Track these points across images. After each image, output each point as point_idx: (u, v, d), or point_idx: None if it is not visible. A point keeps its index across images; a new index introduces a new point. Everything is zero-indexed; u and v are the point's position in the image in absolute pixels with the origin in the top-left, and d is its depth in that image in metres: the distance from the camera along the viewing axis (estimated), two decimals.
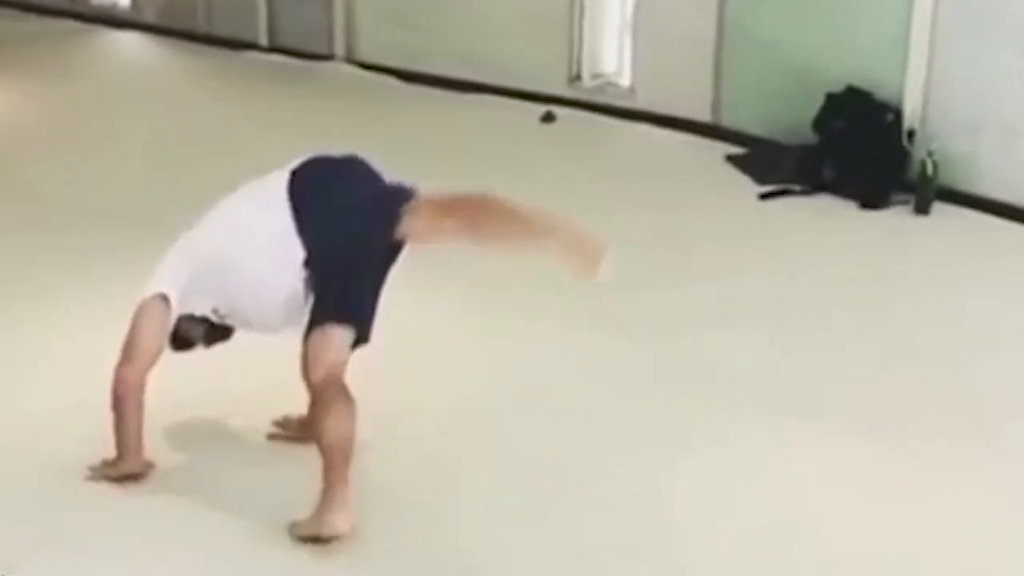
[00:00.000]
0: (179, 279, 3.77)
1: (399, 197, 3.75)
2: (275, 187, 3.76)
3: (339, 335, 3.65)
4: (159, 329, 3.78)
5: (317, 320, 3.65)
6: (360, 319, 3.70)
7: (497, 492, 3.83)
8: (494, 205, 3.75)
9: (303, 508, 3.65)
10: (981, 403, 4.45)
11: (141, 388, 3.80)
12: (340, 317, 3.66)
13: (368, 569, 3.50)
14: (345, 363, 3.66)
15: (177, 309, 3.78)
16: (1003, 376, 4.66)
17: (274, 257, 3.70)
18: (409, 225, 3.71)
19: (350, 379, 3.64)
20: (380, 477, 3.85)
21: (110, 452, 3.86)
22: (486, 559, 3.54)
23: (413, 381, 4.43)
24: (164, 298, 3.75)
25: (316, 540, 3.56)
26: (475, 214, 3.78)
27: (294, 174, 3.79)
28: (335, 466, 3.55)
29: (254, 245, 3.72)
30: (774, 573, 3.51)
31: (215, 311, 3.85)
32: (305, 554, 3.53)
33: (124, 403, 3.79)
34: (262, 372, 4.32)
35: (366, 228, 3.72)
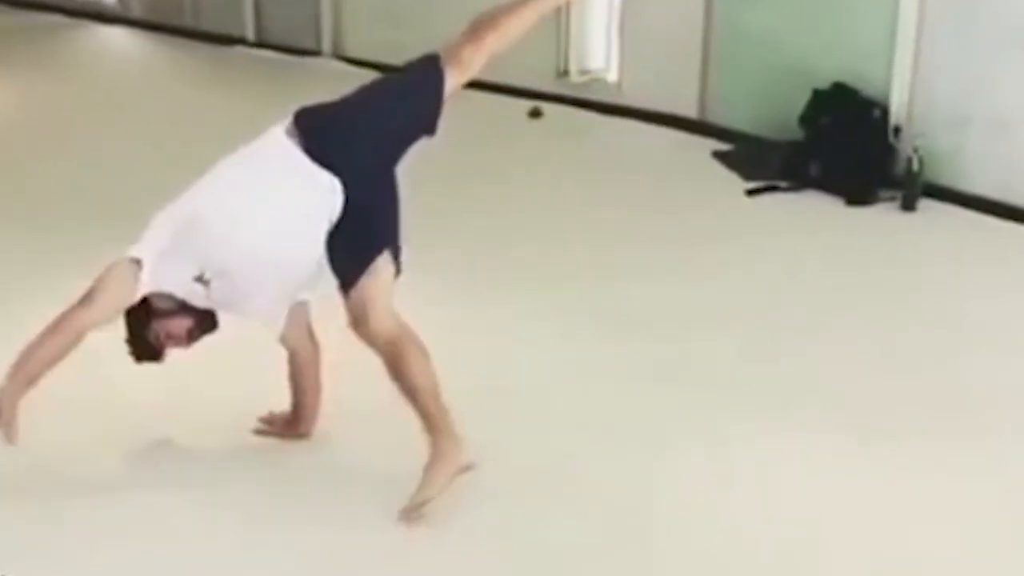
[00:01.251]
0: (156, 245, 3.69)
1: (424, 61, 3.78)
2: (273, 140, 3.73)
3: (382, 267, 3.63)
4: (123, 288, 3.68)
5: (356, 264, 3.61)
6: (396, 243, 3.68)
7: (494, 492, 3.82)
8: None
9: (300, 505, 3.67)
10: (977, 401, 4.45)
11: (76, 338, 3.65)
12: (380, 248, 3.62)
13: (364, 567, 3.51)
14: (393, 298, 3.65)
15: (149, 279, 3.68)
16: (995, 374, 4.66)
17: (295, 201, 3.65)
18: (455, 69, 3.74)
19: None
20: (377, 477, 3.85)
21: (101, 450, 3.86)
22: (483, 559, 3.54)
23: None
24: (136, 262, 3.68)
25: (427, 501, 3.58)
26: (504, 11, 3.83)
27: (296, 120, 3.74)
28: (431, 409, 3.59)
29: (263, 201, 3.66)
30: (773, 573, 3.51)
31: (199, 278, 3.71)
32: (297, 552, 3.53)
33: (49, 336, 3.65)
34: (249, 371, 4.34)
35: (413, 107, 3.73)
